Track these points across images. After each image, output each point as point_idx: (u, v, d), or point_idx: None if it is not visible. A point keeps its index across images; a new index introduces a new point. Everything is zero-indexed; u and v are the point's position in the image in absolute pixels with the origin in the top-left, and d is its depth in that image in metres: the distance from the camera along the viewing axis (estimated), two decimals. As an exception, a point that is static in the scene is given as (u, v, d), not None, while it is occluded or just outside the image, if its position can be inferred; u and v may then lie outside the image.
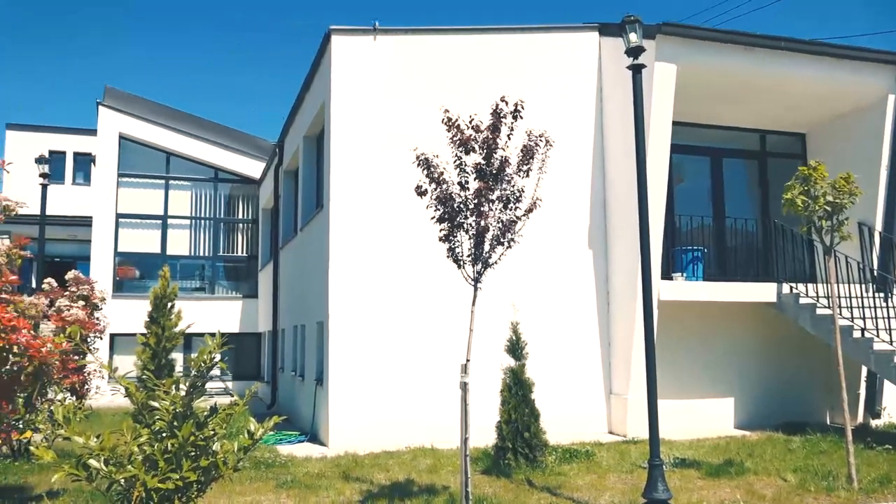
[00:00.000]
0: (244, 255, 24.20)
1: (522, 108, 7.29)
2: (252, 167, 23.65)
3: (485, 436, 10.00)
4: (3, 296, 7.25)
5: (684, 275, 13.04)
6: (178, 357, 13.98)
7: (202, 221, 23.68)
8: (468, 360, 7.11)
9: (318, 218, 13.58)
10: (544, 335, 12.28)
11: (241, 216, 24.28)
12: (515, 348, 9.69)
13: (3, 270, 7.23)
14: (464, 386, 7.01)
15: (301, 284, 15.42)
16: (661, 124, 12.15)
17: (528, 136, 7.34)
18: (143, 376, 5.61)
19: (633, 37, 7.99)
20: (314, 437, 12.77)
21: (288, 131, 17.74)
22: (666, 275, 12.73)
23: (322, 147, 14.04)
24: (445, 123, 7.30)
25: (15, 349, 7.00)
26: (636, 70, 8.08)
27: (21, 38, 72.17)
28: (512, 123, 7.24)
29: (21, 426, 8.33)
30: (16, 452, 9.86)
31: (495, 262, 7.21)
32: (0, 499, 7.55)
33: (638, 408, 11.90)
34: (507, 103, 7.27)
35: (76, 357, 10.09)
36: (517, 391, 9.52)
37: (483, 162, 7.11)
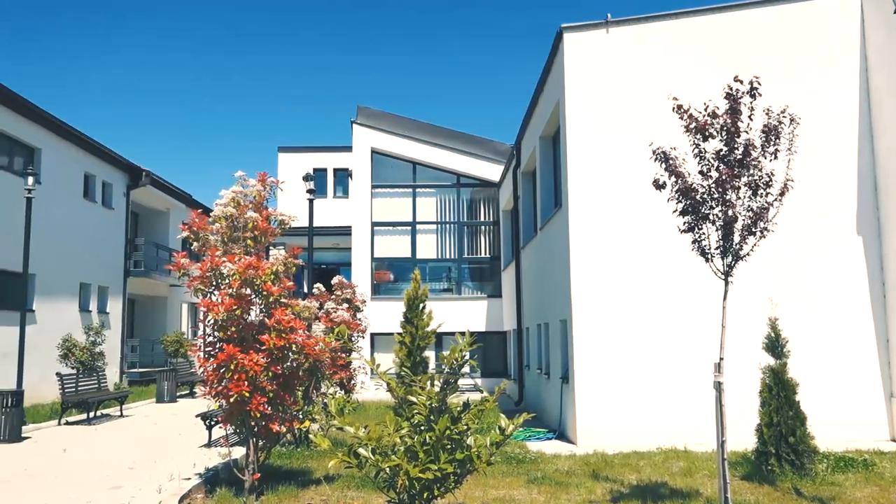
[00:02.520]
0: (487, 256, 24.99)
1: (759, 84, 6.77)
2: (491, 171, 24.38)
3: (742, 439, 9.40)
4: (283, 300, 8.16)
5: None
6: (430, 355, 14.79)
7: (447, 226, 24.86)
8: (721, 359, 6.73)
9: (558, 217, 13.64)
10: (806, 331, 11.27)
11: (482, 219, 25.11)
12: (775, 346, 8.97)
13: (281, 278, 8.14)
14: (718, 386, 6.65)
15: (543, 283, 15.58)
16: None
17: (768, 114, 6.79)
18: (401, 372, 6.01)
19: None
20: (562, 435, 12.83)
21: (524, 133, 18.03)
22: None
23: (558, 146, 14.09)
24: (676, 111, 7.00)
25: (293, 348, 7.86)
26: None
27: (281, 65, 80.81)
28: (751, 103, 6.75)
29: (301, 416, 9.31)
30: (297, 440, 11.03)
31: (747, 254, 6.75)
32: (287, 479, 8.51)
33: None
34: (741, 82, 6.79)
35: (343, 354, 11.08)
36: (778, 392, 8.80)
37: (724, 148, 6.71)
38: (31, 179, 14.87)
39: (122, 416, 16.87)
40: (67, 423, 15.15)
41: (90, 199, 22.93)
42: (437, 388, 5.51)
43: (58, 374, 15.73)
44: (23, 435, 12.98)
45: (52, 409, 16.49)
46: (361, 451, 5.27)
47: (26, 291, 15.87)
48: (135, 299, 27.57)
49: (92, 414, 15.99)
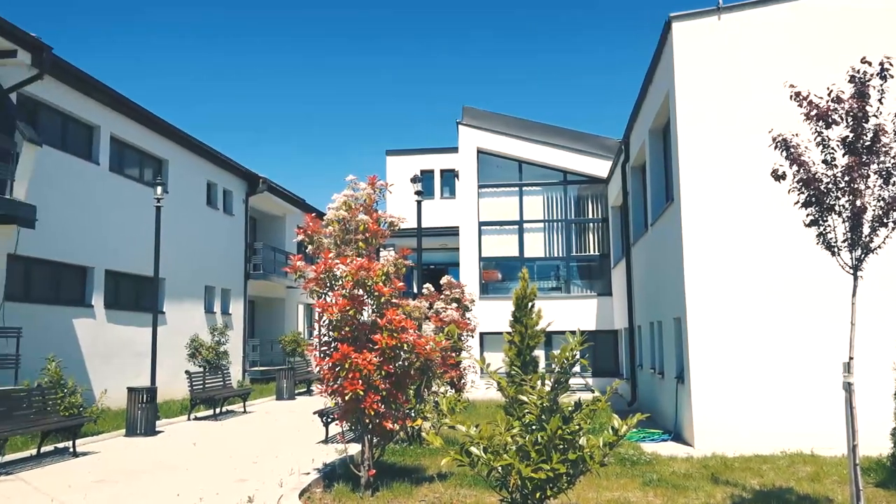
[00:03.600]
0: (596, 253, 24.59)
1: (891, 65, 6.33)
2: (599, 167, 23.96)
3: (876, 443, 8.83)
4: (394, 300, 8.34)
5: None
6: (540, 354, 14.71)
7: (554, 223, 24.63)
8: (851, 358, 6.35)
9: (669, 212, 13.26)
10: (949, 329, 10.45)
11: (590, 216, 24.73)
12: (911, 344, 8.38)
13: (392, 279, 8.32)
14: (847, 387, 6.27)
15: (655, 280, 15.18)
16: None
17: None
18: (512, 372, 6.02)
19: None
20: (678, 437, 12.46)
21: (633, 127, 17.63)
22: None
23: (668, 139, 13.70)
24: (794, 99, 6.65)
25: (405, 347, 8.01)
26: None
27: (387, 68, 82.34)
28: (881, 86, 6.32)
29: (413, 415, 9.47)
30: (410, 438, 11.23)
31: (878, 247, 6.33)
32: (401, 476, 8.68)
33: None
34: (869, 64, 6.36)
35: (454, 354, 11.19)
36: (916, 394, 8.22)
37: (850, 134, 6.31)
38: (159, 189, 15.84)
39: (245, 412, 17.69)
40: (196, 419, 16.05)
41: (212, 207, 24.20)
42: (547, 388, 5.48)
43: (187, 372, 16.69)
44: (157, 429, 13.84)
45: (182, 405, 17.50)
46: (473, 449, 5.31)
47: (157, 295, 16.91)
48: (255, 301, 28.86)
49: (218, 410, 16.86)
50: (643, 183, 17.21)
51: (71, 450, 11.16)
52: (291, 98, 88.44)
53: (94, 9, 77.49)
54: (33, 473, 9.58)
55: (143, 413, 13.40)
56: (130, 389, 13.55)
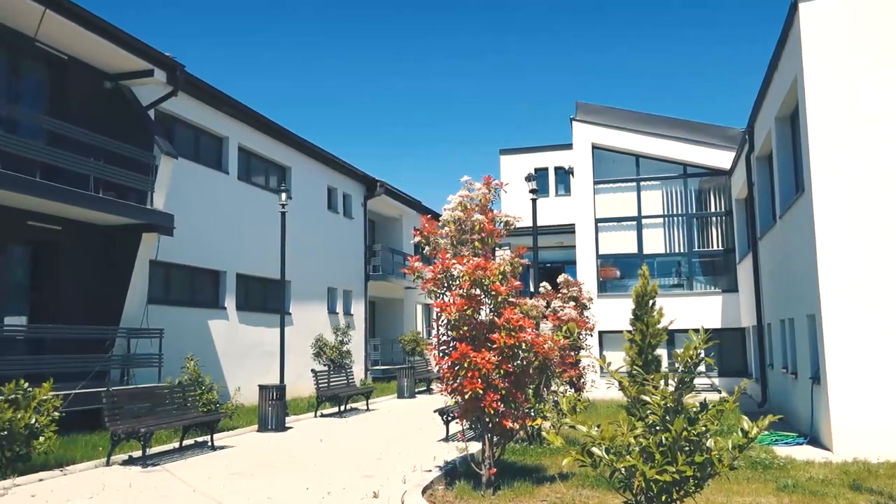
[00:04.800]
0: (720, 248, 23.62)
1: None
2: (721, 158, 23.01)
3: None
4: (511, 299, 8.34)
5: None
6: (662, 353, 14.27)
7: (674, 218, 23.85)
8: None
9: (800, 203, 12.56)
10: None
11: (713, 209, 23.78)
12: None
13: (508, 278, 8.32)
14: None
15: (785, 275, 14.42)
16: None
17: None
18: (633, 371, 5.88)
19: None
20: (814, 440, 11.78)
21: (757, 115, 16.82)
22: None
23: (797, 126, 12.98)
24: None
25: (523, 346, 7.99)
26: None
27: (497, 68, 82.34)
28: None
29: (533, 414, 9.44)
30: (530, 437, 11.19)
31: None
32: (522, 475, 8.67)
33: None
34: None
35: (572, 353, 11.05)
36: None
37: None
38: (283, 195, 16.55)
39: (368, 409, 18.19)
40: (322, 416, 16.65)
41: (333, 210, 25.05)
42: (671, 388, 5.33)
43: (312, 370, 17.35)
44: (286, 425, 14.46)
45: (309, 403, 18.20)
46: (595, 450, 5.24)
47: (284, 296, 17.68)
48: (375, 301, 29.62)
49: (342, 407, 17.41)
50: (770, 173, 16.38)
51: (209, 444, 11.85)
52: (406, 100, 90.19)
53: (205, 12, 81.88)
54: (176, 465, 10.24)
55: (274, 410, 14.03)
56: (261, 387, 14.23)
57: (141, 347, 14.18)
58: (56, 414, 9.47)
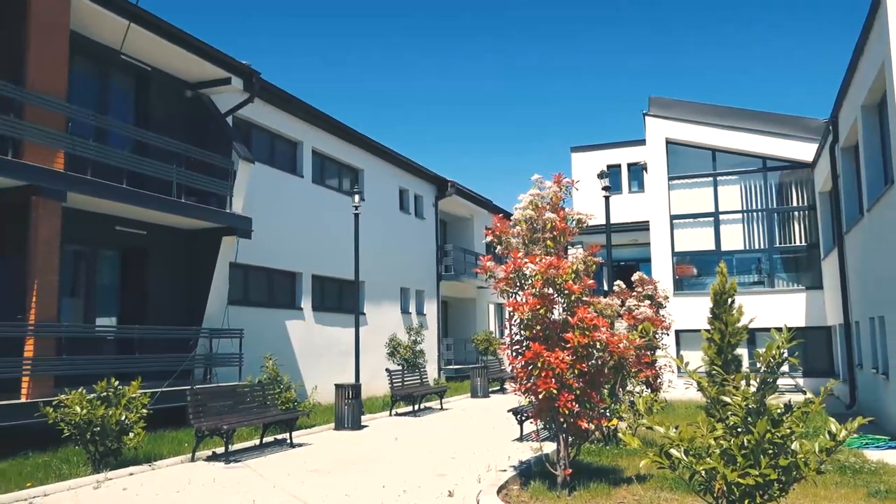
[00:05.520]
0: (802, 244, 22.75)
1: None
2: (802, 150, 22.15)
3: None
4: (584, 298, 8.25)
5: None
6: (742, 352, 13.85)
7: (753, 214, 23.10)
8: None
9: (889, 195, 11.99)
10: None
11: (794, 203, 22.92)
12: None
13: (582, 276, 8.24)
14: None
15: (875, 271, 13.78)
16: None
17: None
18: (712, 371, 5.73)
19: None
20: (909, 444, 11.23)
21: (842, 104, 16.13)
22: None
23: (884, 115, 12.39)
24: None
25: (597, 345, 7.90)
26: None
27: (566, 65, 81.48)
28: None
29: (608, 414, 9.31)
30: (606, 438, 11.04)
31: None
32: (598, 476, 8.56)
33: None
34: None
35: (648, 352, 10.84)
36: None
37: None
38: (357, 198, 16.82)
39: (441, 409, 18.29)
40: (396, 415, 16.83)
41: (405, 211, 25.30)
42: (752, 388, 5.18)
43: (387, 370, 17.56)
44: (362, 423, 14.68)
45: (384, 402, 18.43)
46: (673, 451, 5.13)
47: (358, 297, 17.96)
48: (447, 301, 29.76)
49: (416, 406, 17.57)
50: (856, 164, 15.69)
51: (288, 441, 12.14)
52: (475, 100, 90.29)
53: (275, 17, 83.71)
54: (257, 461, 10.53)
55: (350, 408, 14.27)
56: (338, 386, 14.50)
57: (222, 347, 14.65)
58: (144, 411, 9.89)
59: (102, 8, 12.46)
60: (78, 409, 9.26)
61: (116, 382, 9.82)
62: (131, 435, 9.64)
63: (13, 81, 11.00)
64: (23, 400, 10.50)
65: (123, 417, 9.53)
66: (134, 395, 9.86)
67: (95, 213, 12.99)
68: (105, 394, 9.63)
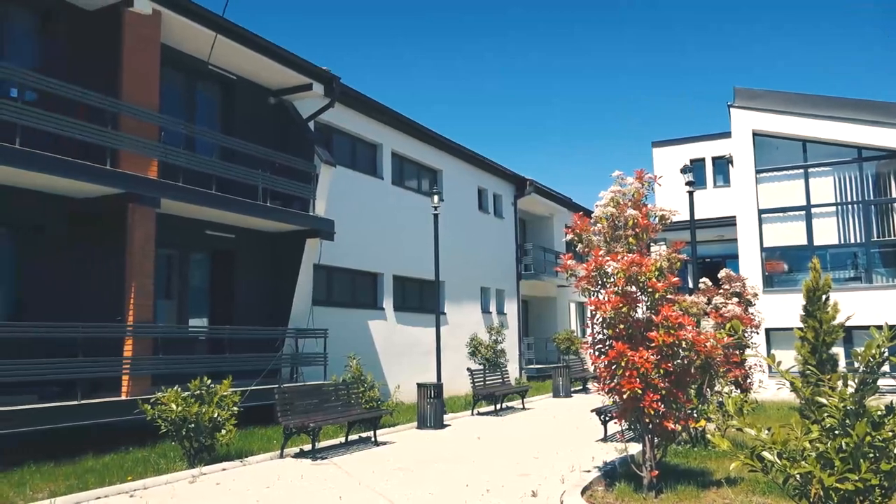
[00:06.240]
0: (907, 236, 21.57)
1: None
2: (902, 138, 21.02)
3: None
4: (668, 296, 8.07)
5: None
6: (838, 352, 13.27)
7: (848, 206, 22.06)
8: None
9: None
10: None
11: (893, 194, 21.75)
12: None
13: (666, 274, 8.05)
14: None
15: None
16: None
17: None
18: (805, 371, 5.51)
19: None
20: None
21: (944, 89, 15.23)
22: None
23: None
24: None
25: (683, 344, 7.71)
26: None
27: (646, 59, 79.78)
28: None
29: (696, 415, 9.07)
30: (693, 439, 10.76)
31: None
32: (685, 479, 8.35)
33: None
34: None
35: (737, 351, 10.51)
36: None
37: None
38: (436, 198, 16.94)
39: (523, 408, 18.21)
40: (478, 414, 16.86)
41: (483, 211, 25.32)
42: (850, 389, 4.95)
43: (468, 369, 17.62)
44: (444, 422, 14.77)
45: (465, 401, 18.49)
46: (766, 454, 4.97)
47: (439, 297, 18.09)
48: (527, 300, 29.62)
49: (498, 406, 17.55)
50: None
51: (372, 439, 12.33)
52: (553, 98, 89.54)
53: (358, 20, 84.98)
54: (342, 459, 10.75)
55: (432, 407, 14.38)
56: (420, 385, 14.64)
57: (307, 347, 15.01)
58: (235, 409, 10.24)
59: (191, 21, 12.97)
60: (174, 406, 9.66)
61: (209, 381, 10.20)
62: (223, 432, 9.98)
63: (110, 94, 11.59)
64: (123, 397, 11.04)
65: (216, 415, 9.88)
66: (225, 394, 10.21)
67: (186, 217, 13.53)
68: (198, 392, 10.01)
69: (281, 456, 10.84)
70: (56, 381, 10.64)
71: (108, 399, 10.81)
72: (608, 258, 8.04)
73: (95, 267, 12.07)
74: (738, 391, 12.31)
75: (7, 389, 9.78)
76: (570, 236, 8.89)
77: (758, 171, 22.88)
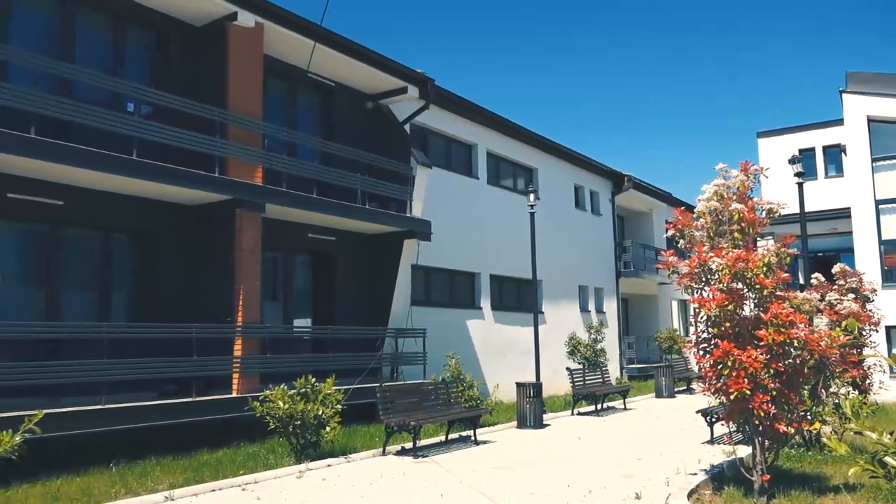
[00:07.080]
0: None
1: None
2: None
3: None
4: (778, 293, 7.72)
5: None
6: (969, 350, 12.33)
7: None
8: None
9: None
10: None
11: None
12: None
13: (774, 269, 7.72)
14: None
15: None
16: None
17: None
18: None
19: None
20: None
21: None
22: None
23: None
24: None
25: (794, 343, 7.36)
26: None
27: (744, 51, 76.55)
28: None
29: (809, 417, 8.65)
30: (807, 442, 10.27)
31: None
32: (799, 484, 7.98)
33: None
34: None
35: (854, 350, 9.94)
36: None
37: None
38: (532, 197, 16.86)
39: (625, 409, 17.86)
40: (579, 414, 16.66)
41: (580, 208, 24.99)
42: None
43: (568, 368, 17.43)
44: (544, 422, 14.68)
45: (565, 401, 18.30)
46: (889, 459, 4.69)
47: (536, 296, 17.99)
48: (627, 298, 29.02)
49: (598, 406, 17.28)
50: None
51: (472, 438, 12.39)
52: (651, 92, 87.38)
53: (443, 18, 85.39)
54: (442, 457, 10.85)
55: (531, 407, 14.31)
56: (519, 384, 14.60)
57: (407, 346, 15.23)
58: (339, 407, 10.51)
59: (291, 31, 13.42)
60: (280, 403, 10.01)
61: (313, 379, 10.51)
62: (328, 429, 10.27)
63: (217, 105, 12.14)
64: (234, 395, 11.54)
65: (321, 412, 10.17)
66: (329, 392, 10.50)
67: (290, 221, 13.99)
68: (304, 390, 10.33)
69: (383, 453, 11.05)
70: (173, 380, 11.24)
71: (220, 396, 11.32)
72: (712, 254, 7.79)
73: (207, 270, 12.66)
74: (856, 392, 11.66)
75: (129, 387, 10.41)
76: (671, 232, 8.66)
77: (874, 160, 21.60)
